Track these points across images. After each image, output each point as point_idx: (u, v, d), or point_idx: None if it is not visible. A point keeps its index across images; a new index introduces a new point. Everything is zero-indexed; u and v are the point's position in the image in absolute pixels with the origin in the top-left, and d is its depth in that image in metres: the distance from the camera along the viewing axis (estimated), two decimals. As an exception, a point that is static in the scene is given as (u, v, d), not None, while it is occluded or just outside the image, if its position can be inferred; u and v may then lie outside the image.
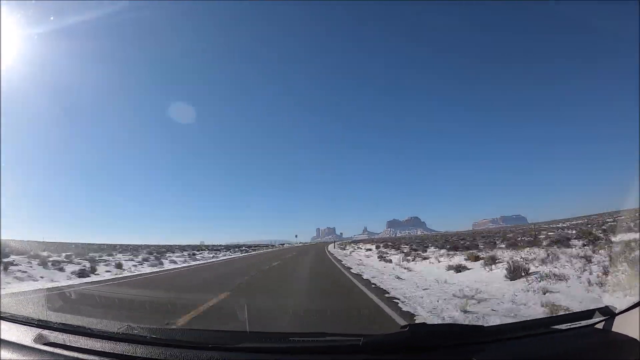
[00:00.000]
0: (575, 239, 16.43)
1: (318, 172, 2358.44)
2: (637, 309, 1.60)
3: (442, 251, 18.52)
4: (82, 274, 12.97)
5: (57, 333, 1.84)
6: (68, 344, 1.72)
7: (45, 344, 1.73)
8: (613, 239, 13.01)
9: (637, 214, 17.25)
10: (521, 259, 9.55)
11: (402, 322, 4.67)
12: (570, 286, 6.53)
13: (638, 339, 1.48)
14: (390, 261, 16.94)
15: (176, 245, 68.26)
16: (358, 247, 42.10)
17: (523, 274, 7.83)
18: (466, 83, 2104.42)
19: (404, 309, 5.68)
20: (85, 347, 1.70)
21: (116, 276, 13.12)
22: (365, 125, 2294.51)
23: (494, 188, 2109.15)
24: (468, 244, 22.65)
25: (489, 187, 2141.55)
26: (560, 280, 6.90)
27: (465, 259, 12.35)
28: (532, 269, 8.32)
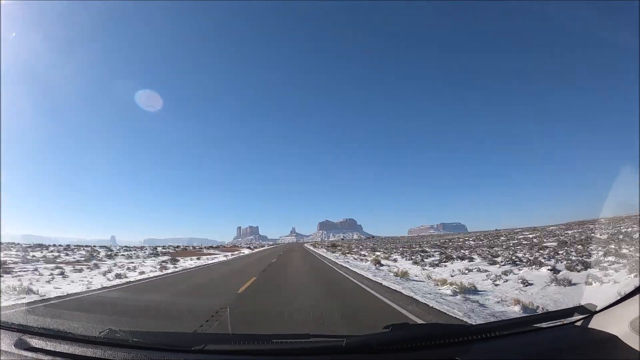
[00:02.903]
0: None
1: (239, 167, 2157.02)
2: (616, 306, 1.70)
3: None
4: None
5: (37, 338, 1.86)
6: (49, 349, 1.75)
7: (25, 349, 1.75)
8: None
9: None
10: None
11: None
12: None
13: (618, 336, 1.57)
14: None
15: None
16: (361, 256, 25.75)
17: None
18: (412, 84, 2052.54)
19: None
20: (67, 351, 1.72)
21: None
22: (297, 120, 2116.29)
23: (435, 195, 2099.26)
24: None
25: (429, 193, 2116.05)
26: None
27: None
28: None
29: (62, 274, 14.34)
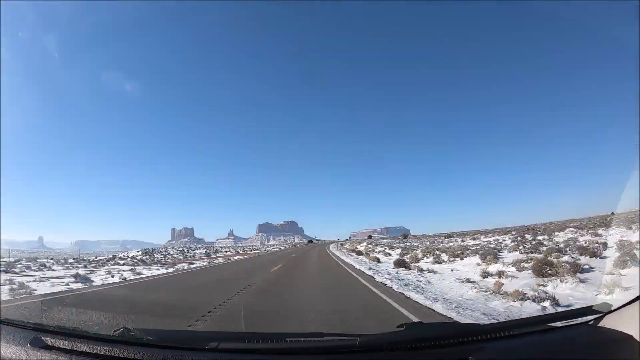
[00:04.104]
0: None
1: (173, 166, 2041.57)
2: (632, 305, 1.69)
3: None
4: None
5: (53, 336, 1.87)
6: (64, 347, 1.77)
7: (41, 348, 1.76)
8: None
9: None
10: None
11: None
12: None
13: (634, 336, 1.57)
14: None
15: None
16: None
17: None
18: (351, 86, 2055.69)
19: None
20: (82, 349, 1.74)
21: None
22: (234, 119, 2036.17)
23: (379, 199, 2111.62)
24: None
25: (372, 197, 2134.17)
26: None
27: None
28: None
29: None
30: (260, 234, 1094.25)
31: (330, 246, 61.00)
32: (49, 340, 1.82)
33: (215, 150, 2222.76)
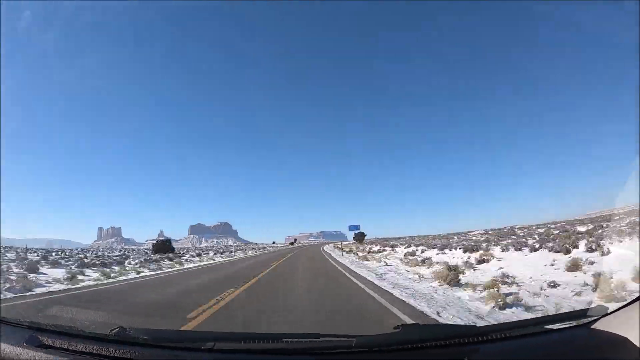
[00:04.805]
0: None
1: (100, 161, 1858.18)
2: (627, 308, 1.71)
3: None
4: None
5: (49, 335, 1.87)
6: (60, 346, 1.77)
7: (37, 347, 1.76)
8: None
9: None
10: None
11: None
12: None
13: (629, 338, 1.57)
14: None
15: None
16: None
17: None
18: (290, 85, 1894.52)
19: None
20: (78, 349, 1.73)
21: None
22: (165, 116, 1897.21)
23: (315, 204, 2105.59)
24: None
25: (309, 202, 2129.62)
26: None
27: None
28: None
29: None
30: (192, 235, 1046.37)
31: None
32: (44, 339, 1.81)
33: (145, 148, 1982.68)
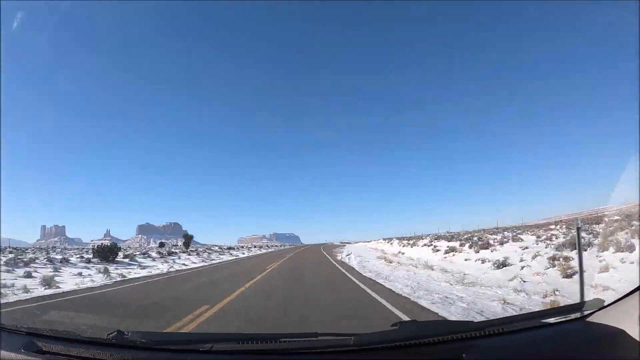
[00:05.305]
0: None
1: (42, 155, 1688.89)
2: (624, 300, 1.73)
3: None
4: None
5: (46, 340, 1.87)
6: (57, 352, 1.76)
7: (34, 352, 1.76)
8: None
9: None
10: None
11: None
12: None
13: (626, 330, 1.59)
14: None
15: None
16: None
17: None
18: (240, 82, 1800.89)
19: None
20: (76, 354, 1.74)
21: None
22: (109, 110, 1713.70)
23: (268, 205, 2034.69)
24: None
25: (261, 204, 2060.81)
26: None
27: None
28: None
29: None
30: (140, 235, 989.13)
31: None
32: (42, 344, 1.81)
33: (92, 143, 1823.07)
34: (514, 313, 5.72)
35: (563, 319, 1.88)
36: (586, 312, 1.84)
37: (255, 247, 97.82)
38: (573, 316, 1.88)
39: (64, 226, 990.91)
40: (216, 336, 1.99)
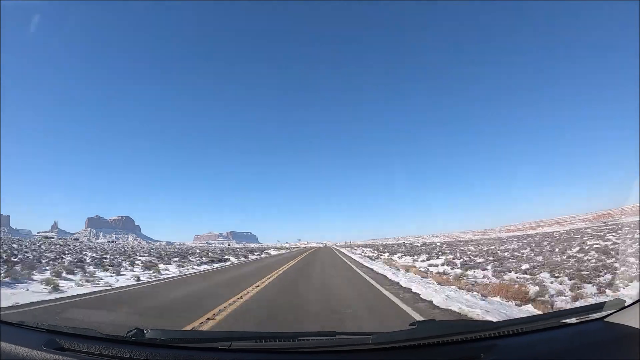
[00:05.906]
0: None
1: None
2: None
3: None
4: None
5: (67, 338, 1.90)
6: (78, 349, 1.79)
7: (55, 349, 1.78)
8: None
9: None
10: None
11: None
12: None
13: None
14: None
15: None
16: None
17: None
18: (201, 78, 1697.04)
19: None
20: (96, 351, 1.75)
21: None
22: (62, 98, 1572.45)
23: (225, 202, 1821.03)
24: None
25: (218, 200, 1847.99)
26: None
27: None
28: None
29: None
30: (89, 229, 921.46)
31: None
32: (62, 342, 1.83)
33: (41, 124, 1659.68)
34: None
35: (583, 319, 1.88)
36: (606, 313, 1.83)
37: (214, 246, 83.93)
38: (593, 316, 1.88)
39: (8, 216, 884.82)
40: (234, 334, 2.00)
